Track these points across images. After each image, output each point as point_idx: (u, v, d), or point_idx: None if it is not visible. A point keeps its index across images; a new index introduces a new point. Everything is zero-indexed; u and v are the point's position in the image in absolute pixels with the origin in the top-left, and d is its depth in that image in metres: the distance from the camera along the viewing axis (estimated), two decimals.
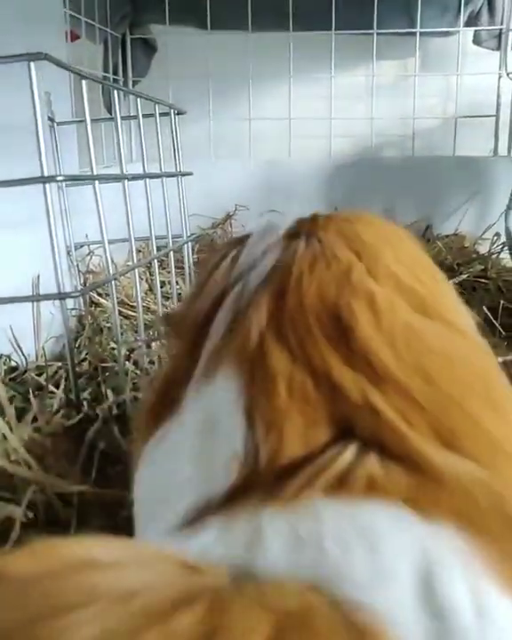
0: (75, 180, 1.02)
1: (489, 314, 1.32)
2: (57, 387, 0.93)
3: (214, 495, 0.36)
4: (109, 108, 1.92)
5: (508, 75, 2.07)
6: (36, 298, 1.16)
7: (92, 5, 1.78)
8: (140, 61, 2.17)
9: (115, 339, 1.01)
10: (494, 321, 1.24)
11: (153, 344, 1.14)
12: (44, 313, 1.18)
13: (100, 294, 1.34)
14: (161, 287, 1.22)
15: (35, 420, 0.81)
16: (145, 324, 1.13)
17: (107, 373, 1.01)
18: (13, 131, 1.08)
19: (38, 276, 1.18)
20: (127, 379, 0.97)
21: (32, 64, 0.78)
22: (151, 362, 1.07)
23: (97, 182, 0.94)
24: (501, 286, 1.42)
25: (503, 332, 1.22)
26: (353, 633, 0.25)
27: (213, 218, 2.11)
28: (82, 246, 1.49)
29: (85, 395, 0.91)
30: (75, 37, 1.77)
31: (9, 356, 1.05)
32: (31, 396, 0.86)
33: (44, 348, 1.13)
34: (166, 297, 1.33)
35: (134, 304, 1.39)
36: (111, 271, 0.97)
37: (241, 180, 2.12)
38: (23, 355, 1.08)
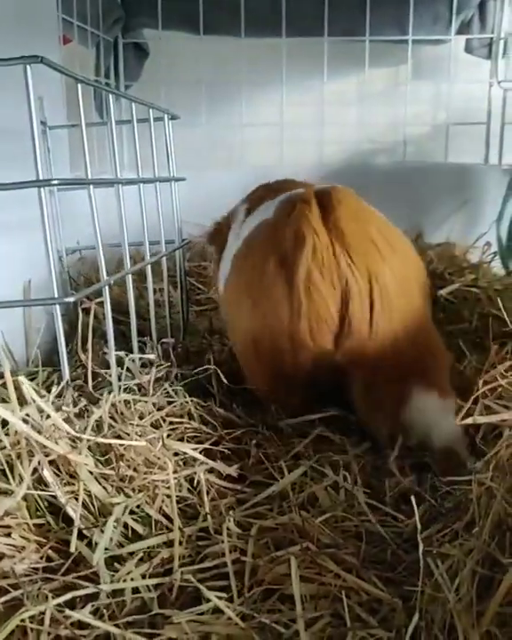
0: (70, 184, 1.01)
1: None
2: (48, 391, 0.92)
3: None
4: (101, 113, 1.91)
5: (498, 83, 2.08)
6: (28, 303, 1.15)
7: (85, 9, 1.78)
8: (131, 66, 2.16)
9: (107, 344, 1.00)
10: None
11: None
12: (36, 318, 1.17)
13: (89, 298, 1.33)
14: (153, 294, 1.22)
15: None
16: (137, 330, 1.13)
17: (99, 379, 1.01)
18: (5, 135, 1.07)
19: (29, 282, 1.17)
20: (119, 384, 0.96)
21: (28, 67, 0.78)
22: (143, 365, 1.07)
23: (91, 186, 0.93)
24: (492, 295, 1.42)
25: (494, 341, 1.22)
26: None
27: (204, 225, 2.10)
28: (73, 252, 1.48)
29: None
30: (67, 41, 1.76)
31: None
32: None
33: (37, 352, 1.12)
34: (158, 304, 1.32)
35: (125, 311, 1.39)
36: (104, 276, 0.96)
37: (232, 186, 2.11)
38: (14, 360, 1.07)
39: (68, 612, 0.54)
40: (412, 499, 0.65)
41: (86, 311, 1.24)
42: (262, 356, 1.00)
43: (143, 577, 0.62)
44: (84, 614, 0.54)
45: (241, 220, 1.29)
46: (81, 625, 0.56)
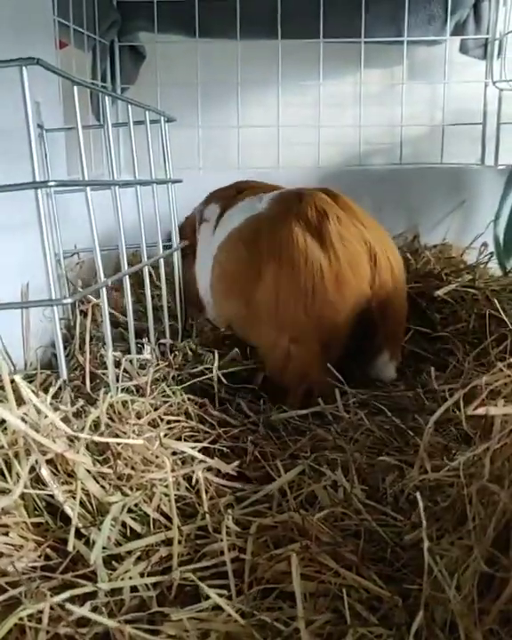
0: (66, 185, 1.01)
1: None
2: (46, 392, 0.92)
3: None
4: (98, 116, 1.92)
5: (494, 83, 2.08)
6: (26, 304, 1.15)
7: (81, 13, 1.78)
8: (128, 69, 2.16)
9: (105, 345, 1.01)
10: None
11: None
12: (34, 321, 1.17)
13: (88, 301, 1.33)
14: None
15: None
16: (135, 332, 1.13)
17: (97, 380, 1.01)
18: (2, 138, 1.07)
19: (27, 284, 1.17)
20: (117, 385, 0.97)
21: (24, 69, 0.78)
22: (141, 366, 1.07)
23: (88, 188, 0.94)
24: (489, 295, 1.42)
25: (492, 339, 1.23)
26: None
27: None
28: (72, 255, 1.48)
29: None
30: (63, 45, 1.77)
31: None
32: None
33: (36, 353, 1.12)
34: (156, 307, 1.32)
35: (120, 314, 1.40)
36: (102, 277, 0.96)
37: None
38: (12, 362, 1.07)
39: (68, 606, 0.54)
40: (418, 496, 0.65)
41: (84, 314, 1.24)
42: (306, 311, 1.11)
43: (141, 575, 0.62)
44: (84, 610, 0.54)
45: (215, 220, 1.42)
46: (79, 623, 0.55)
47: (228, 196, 1.47)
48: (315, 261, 1.11)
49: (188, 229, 1.46)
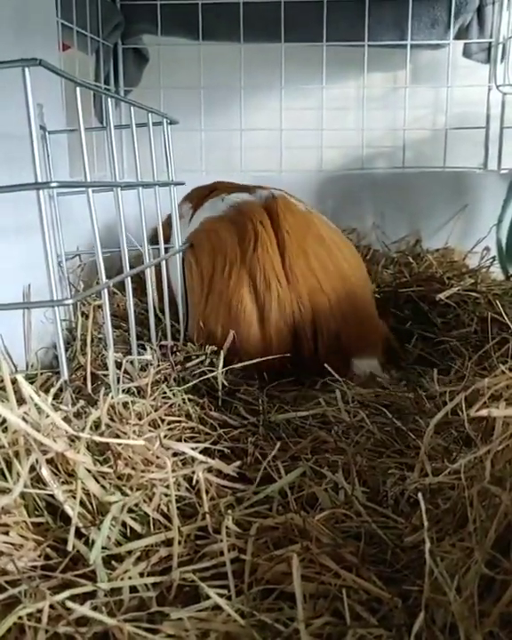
0: (68, 186, 1.01)
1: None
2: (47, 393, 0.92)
3: None
4: (101, 118, 1.92)
5: (497, 87, 2.09)
6: (27, 305, 1.15)
7: (85, 15, 1.79)
8: (131, 71, 2.17)
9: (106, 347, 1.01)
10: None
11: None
12: (35, 323, 1.17)
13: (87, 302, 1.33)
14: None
15: None
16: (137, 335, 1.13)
17: (98, 382, 1.01)
18: (5, 140, 1.08)
19: (29, 286, 1.17)
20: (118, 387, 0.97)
21: (26, 70, 0.78)
22: (143, 368, 1.07)
23: (90, 190, 0.94)
24: (491, 299, 1.42)
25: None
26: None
27: None
28: (73, 257, 1.48)
29: None
30: (66, 48, 1.77)
31: None
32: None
33: (37, 355, 1.13)
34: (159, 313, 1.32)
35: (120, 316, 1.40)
36: (103, 278, 0.97)
37: None
38: (13, 364, 1.07)
39: (69, 604, 0.54)
40: (420, 497, 0.65)
41: (86, 315, 1.25)
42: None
43: (141, 575, 0.62)
44: (84, 609, 0.54)
45: (188, 218, 1.52)
46: (79, 623, 0.55)
47: (200, 196, 1.55)
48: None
49: (166, 227, 1.48)
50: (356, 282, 1.26)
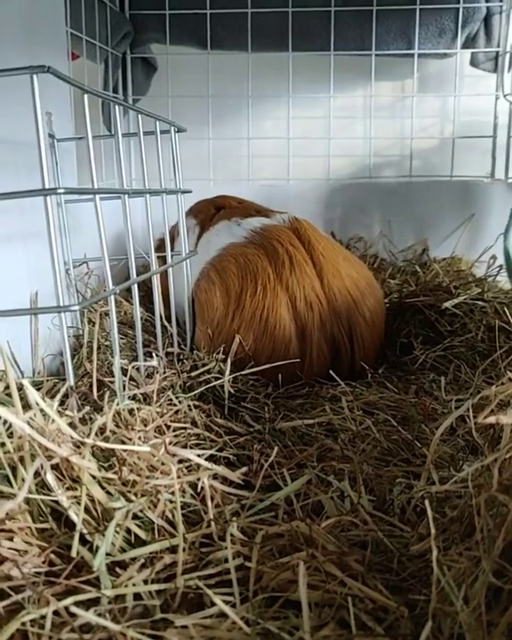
0: (76, 192, 1.02)
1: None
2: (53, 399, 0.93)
3: None
4: (109, 127, 1.93)
5: (505, 96, 2.09)
6: (34, 311, 1.15)
7: (94, 25, 1.80)
8: (139, 80, 2.18)
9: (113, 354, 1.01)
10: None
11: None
12: (42, 329, 1.18)
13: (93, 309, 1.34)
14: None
15: None
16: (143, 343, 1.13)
17: (104, 389, 1.01)
18: (15, 147, 1.08)
19: (36, 293, 1.17)
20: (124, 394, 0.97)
21: (35, 77, 0.79)
22: (149, 376, 1.07)
23: (98, 197, 0.94)
24: (498, 308, 1.42)
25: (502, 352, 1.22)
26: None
27: None
28: (81, 264, 1.49)
29: None
30: (75, 57, 1.78)
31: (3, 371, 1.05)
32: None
33: (43, 361, 1.13)
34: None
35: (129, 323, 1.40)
36: (110, 285, 0.97)
37: None
38: (20, 370, 1.07)
39: (73, 610, 0.54)
40: (427, 504, 0.64)
41: (93, 322, 1.25)
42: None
43: (145, 582, 0.62)
44: (89, 614, 0.54)
45: (195, 235, 1.59)
46: (82, 629, 0.55)
47: (206, 213, 1.63)
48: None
49: (172, 236, 1.50)
50: (378, 298, 1.35)
